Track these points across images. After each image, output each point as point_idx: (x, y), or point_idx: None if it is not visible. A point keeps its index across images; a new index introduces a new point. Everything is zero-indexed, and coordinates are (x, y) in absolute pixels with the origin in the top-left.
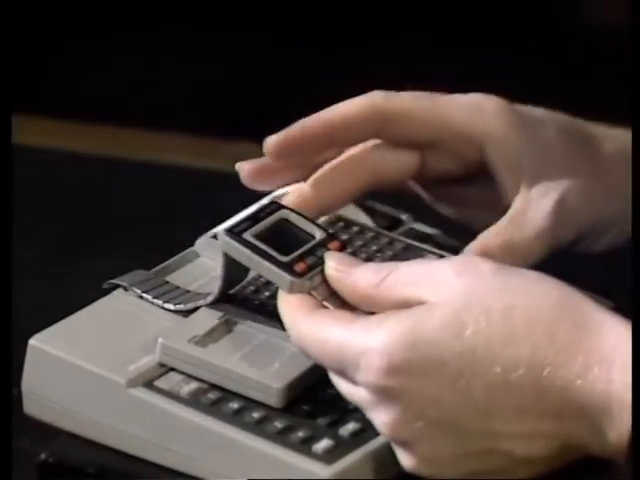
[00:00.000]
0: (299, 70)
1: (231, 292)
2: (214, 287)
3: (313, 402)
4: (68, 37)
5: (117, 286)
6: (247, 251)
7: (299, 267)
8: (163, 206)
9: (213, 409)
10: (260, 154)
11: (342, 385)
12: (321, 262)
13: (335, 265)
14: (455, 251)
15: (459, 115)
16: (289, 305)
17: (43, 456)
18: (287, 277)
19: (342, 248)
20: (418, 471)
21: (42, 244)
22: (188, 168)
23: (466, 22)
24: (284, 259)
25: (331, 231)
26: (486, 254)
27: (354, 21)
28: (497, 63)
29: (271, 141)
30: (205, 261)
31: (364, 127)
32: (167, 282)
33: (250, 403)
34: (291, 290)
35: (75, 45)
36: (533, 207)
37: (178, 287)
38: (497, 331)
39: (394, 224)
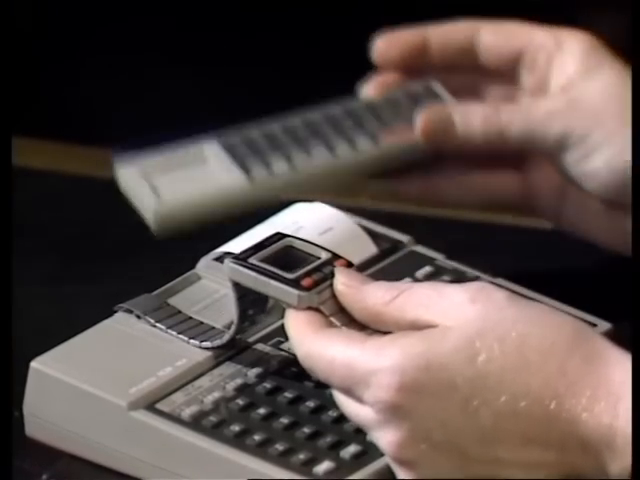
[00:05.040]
0: (292, 94)
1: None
2: (231, 315)
3: (314, 424)
4: (68, 59)
5: (126, 310)
6: (253, 273)
7: (306, 282)
8: None
9: (214, 432)
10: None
11: (347, 404)
12: (329, 277)
13: (345, 280)
14: (456, 274)
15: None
16: (297, 322)
17: (45, 478)
18: (294, 291)
19: (348, 267)
20: None
21: (43, 266)
22: None
23: None
24: (290, 276)
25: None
26: None
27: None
28: None
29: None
30: (207, 283)
31: (462, 36)
32: (179, 312)
33: (252, 426)
34: (299, 304)
35: (75, 67)
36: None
37: (191, 317)
38: (510, 360)
39: (395, 247)
